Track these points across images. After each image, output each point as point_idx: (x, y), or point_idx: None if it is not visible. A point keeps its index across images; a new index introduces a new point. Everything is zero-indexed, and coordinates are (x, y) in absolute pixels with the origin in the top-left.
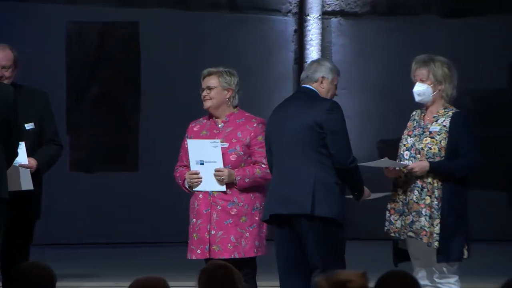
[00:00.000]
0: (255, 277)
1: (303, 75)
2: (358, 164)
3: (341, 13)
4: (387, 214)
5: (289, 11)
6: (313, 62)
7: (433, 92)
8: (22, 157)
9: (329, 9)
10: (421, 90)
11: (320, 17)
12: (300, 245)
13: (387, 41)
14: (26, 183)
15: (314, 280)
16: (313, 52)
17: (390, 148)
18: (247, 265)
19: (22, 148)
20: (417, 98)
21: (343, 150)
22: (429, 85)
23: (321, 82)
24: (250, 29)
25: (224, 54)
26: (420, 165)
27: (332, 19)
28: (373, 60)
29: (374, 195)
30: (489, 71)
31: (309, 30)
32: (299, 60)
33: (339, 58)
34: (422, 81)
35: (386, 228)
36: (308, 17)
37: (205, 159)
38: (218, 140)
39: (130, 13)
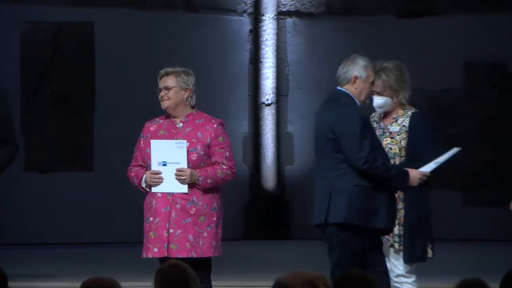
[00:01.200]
0: (210, 277)
1: (336, 75)
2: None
3: (296, 13)
4: None
5: (244, 11)
6: (346, 60)
7: (393, 100)
8: None
9: (284, 9)
10: (381, 102)
11: (275, 17)
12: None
13: (342, 41)
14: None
15: (277, 279)
16: (268, 52)
17: None
18: (203, 265)
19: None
20: (379, 111)
21: (352, 153)
22: (387, 96)
23: (354, 82)
24: (205, 29)
25: (179, 54)
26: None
27: (287, 19)
28: (328, 60)
29: (433, 164)
30: (443, 71)
31: (265, 30)
32: (255, 60)
33: (294, 58)
34: (378, 94)
35: None
36: (263, 17)
37: (169, 160)
38: (184, 141)
39: (85, 13)
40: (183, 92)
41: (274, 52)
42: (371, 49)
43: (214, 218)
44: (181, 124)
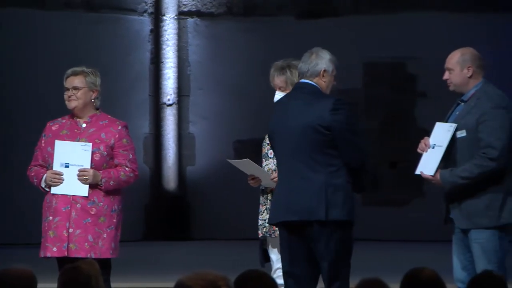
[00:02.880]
0: (109, 279)
1: (302, 68)
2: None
3: (197, 13)
4: (260, 216)
5: (145, 11)
6: (311, 53)
7: None
8: None
9: (185, 9)
10: None
11: (176, 17)
12: (307, 250)
13: (243, 42)
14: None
15: (178, 280)
16: (169, 52)
17: (247, 148)
18: (103, 267)
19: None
20: None
21: (357, 152)
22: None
23: (323, 76)
24: (106, 29)
25: (80, 54)
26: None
27: (188, 19)
28: (229, 61)
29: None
30: (343, 71)
31: (166, 30)
32: (156, 60)
33: (195, 58)
34: (281, 89)
35: (259, 229)
36: (164, 17)
37: (72, 161)
38: (90, 144)
39: None
40: (91, 93)
41: (176, 52)
42: (271, 49)
43: (114, 220)
44: (84, 124)
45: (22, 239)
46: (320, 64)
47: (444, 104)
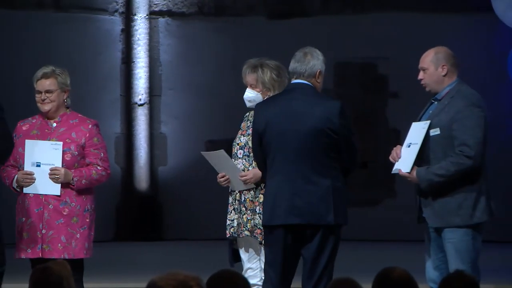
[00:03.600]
0: (82, 279)
1: (297, 68)
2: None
3: (168, 13)
4: (228, 216)
5: (116, 11)
6: (305, 53)
7: (264, 98)
8: None
9: (156, 9)
10: (251, 96)
11: (147, 16)
12: (296, 253)
13: (214, 42)
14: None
15: (150, 281)
16: (140, 51)
17: (218, 148)
18: (76, 267)
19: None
20: (248, 104)
21: (355, 155)
22: (258, 92)
23: (318, 77)
24: (76, 28)
25: (50, 54)
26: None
27: (159, 19)
28: (200, 61)
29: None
30: None
31: (137, 30)
32: (127, 59)
33: (166, 58)
34: (251, 86)
35: (227, 229)
36: (135, 17)
37: (43, 161)
38: (60, 143)
39: None
40: (63, 93)
41: (147, 52)
42: (242, 49)
43: (87, 220)
44: (54, 124)
45: None
46: (316, 65)
47: (415, 104)
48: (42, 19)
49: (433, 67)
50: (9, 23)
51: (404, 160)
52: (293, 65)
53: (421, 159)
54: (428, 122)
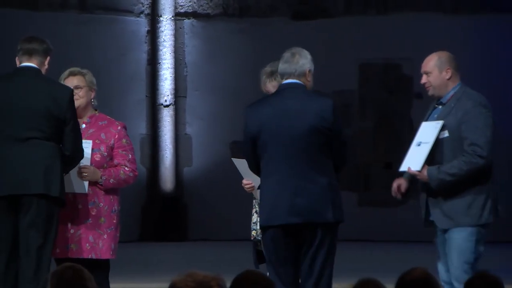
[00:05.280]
0: (108, 279)
1: (287, 69)
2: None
3: (193, 14)
4: (252, 217)
5: (142, 12)
6: (293, 54)
7: None
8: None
9: (181, 10)
10: None
11: (172, 18)
12: (295, 251)
13: (238, 42)
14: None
15: (172, 280)
16: (166, 53)
17: None
18: (102, 267)
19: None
20: None
21: (346, 152)
22: None
23: (307, 76)
24: (101, 29)
25: (74, 55)
26: None
27: (184, 20)
28: (225, 61)
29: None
30: (337, 72)
31: (162, 31)
32: (152, 61)
33: (191, 59)
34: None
35: (252, 230)
36: (161, 18)
37: None
38: (90, 141)
39: None
40: (91, 92)
41: (172, 53)
42: (266, 50)
43: (114, 221)
44: (84, 125)
45: None
46: (305, 64)
47: None
48: (66, 20)
49: (437, 71)
50: (33, 24)
51: (414, 158)
52: (282, 66)
53: (431, 162)
54: (441, 122)
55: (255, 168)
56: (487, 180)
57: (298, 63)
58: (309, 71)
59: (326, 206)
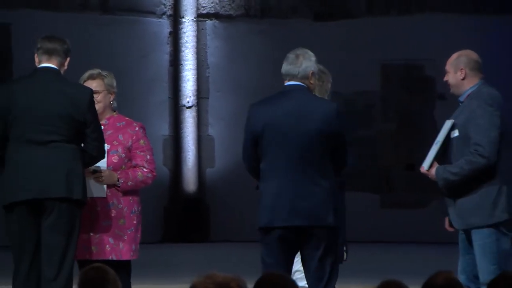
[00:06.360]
0: (130, 280)
1: (290, 70)
2: None
3: (215, 15)
4: None
5: (164, 13)
6: (297, 55)
7: None
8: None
9: (204, 12)
10: None
11: (195, 19)
12: (292, 254)
13: (260, 43)
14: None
15: (192, 282)
16: (188, 54)
17: None
18: (123, 268)
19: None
20: None
21: (347, 155)
22: None
23: (311, 78)
24: (123, 31)
25: (95, 57)
26: None
27: (207, 21)
28: (246, 63)
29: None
30: (359, 73)
31: (184, 33)
32: (174, 62)
33: (213, 60)
34: None
35: None
36: (183, 19)
37: None
38: (107, 146)
39: (2, 15)
40: (110, 95)
41: (194, 55)
42: (288, 51)
43: (134, 222)
44: (102, 127)
45: None
46: (309, 66)
47: None
48: (88, 21)
49: (453, 70)
50: (53, 25)
51: (427, 157)
52: (286, 67)
53: (443, 161)
54: (451, 121)
55: (255, 167)
56: (495, 178)
57: (302, 66)
58: (313, 73)
59: (327, 210)
